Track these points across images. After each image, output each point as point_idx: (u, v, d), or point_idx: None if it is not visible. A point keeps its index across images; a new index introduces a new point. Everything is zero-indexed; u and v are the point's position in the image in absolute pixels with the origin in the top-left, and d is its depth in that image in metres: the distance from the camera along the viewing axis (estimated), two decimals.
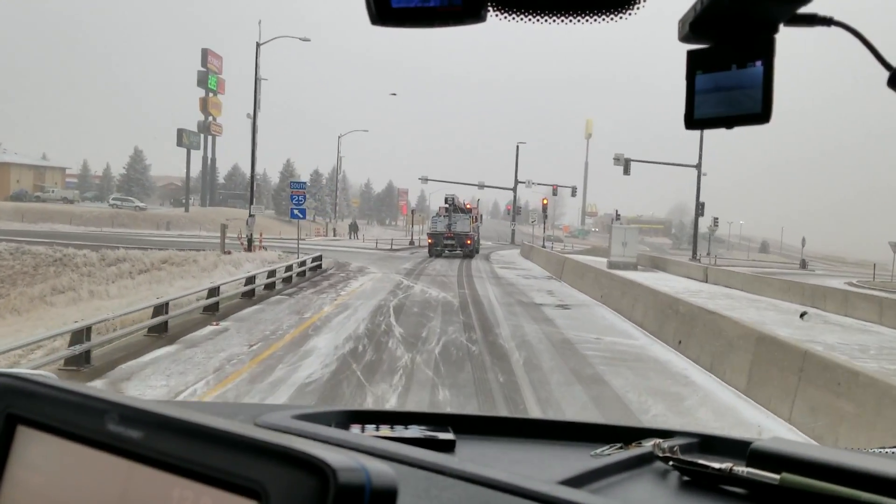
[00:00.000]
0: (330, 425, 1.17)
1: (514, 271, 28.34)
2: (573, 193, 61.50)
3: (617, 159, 36.14)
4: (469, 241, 35.07)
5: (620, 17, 0.79)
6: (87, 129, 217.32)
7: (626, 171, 36.28)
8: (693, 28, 0.84)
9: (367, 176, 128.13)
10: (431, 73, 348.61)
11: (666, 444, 1.09)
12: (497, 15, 0.78)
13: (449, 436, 1.15)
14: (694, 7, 0.83)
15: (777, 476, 0.89)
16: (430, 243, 35.16)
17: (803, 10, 0.81)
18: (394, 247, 39.16)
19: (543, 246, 45.78)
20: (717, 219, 47.52)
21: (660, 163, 36.41)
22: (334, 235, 61.71)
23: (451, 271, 25.79)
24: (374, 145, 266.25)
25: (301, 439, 0.50)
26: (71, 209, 65.91)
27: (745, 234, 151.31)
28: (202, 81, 75.97)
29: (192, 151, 76.67)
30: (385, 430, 1.16)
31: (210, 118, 77.39)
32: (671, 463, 1.04)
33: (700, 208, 36.49)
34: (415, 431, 1.16)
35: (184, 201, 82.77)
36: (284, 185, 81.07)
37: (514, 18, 0.78)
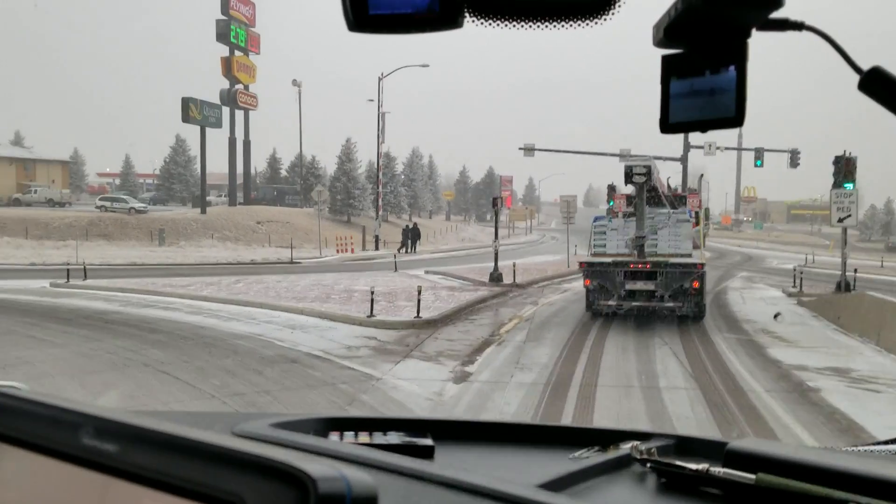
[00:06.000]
0: (308, 433, 1.15)
1: None
2: (793, 163, 34.95)
3: None
4: (696, 284, 13.90)
5: (596, 23, 0.80)
6: (132, 122, 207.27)
7: None
8: (667, 33, 0.84)
9: (464, 164, 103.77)
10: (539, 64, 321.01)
11: (644, 446, 1.09)
12: (474, 21, 0.79)
13: (428, 442, 1.14)
14: (668, 13, 0.84)
15: (753, 476, 0.89)
16: (587, 287, 14.56)
17: (775, 14, 0.81)
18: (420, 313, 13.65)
19: None
20: None
21: None
22: (377, 248, 38.21)
23: None
24: (482, 140, 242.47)
25: (280, 449, 0.49)
26: (37, 216, 47.59)
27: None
28: (223, 35, 55.04)
29: (217, 131, 55.94)
30: (364, 438, 1.14)
31: (237, 86, 56.47)
32: (649, 465, 1.04)
33: None
34: (394, 438, 1.14)
35: (224, 196, 63.03)
36: (341, 174, 59.15)
37: (491, 24, 0.79)
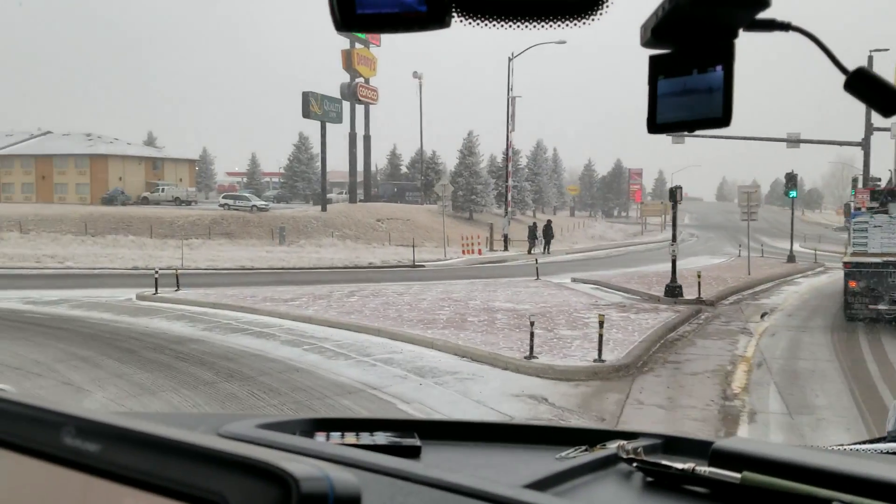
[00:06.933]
0: (294, 434, 1.14)
1: None
2: None
3: None
4: None
5: (584, 22, 0.80)
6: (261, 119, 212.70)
7: None
8: (655, 33, 0.85)
9: (589, 157, 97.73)
10: None
11: (630, 445, 1.09)
12: (461, 20, 0.79)
13: (414, 442, 1.13)
14: (655, 13, 0.84)
15: (738, 475, 0.90)
16: (852, 289, 13.35)
17: (762, 15, 0.82)
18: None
19: None
20: None
21: None
22: (506, 248, 34.10)
23: None
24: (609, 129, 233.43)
25: (263, 449, 0.49)
26: (162, 214, 47.58)
27: None
28: None
29: (337, 127, 54.08)
30: (350, 438, 1.12)
31: (358, 79, 54.40)
32: (635, 464, 1.04)
33: None
34: (380, 438, 1.13)
35: (345, 194, 61.46)
36: (462, 169, 55.73)
37: (478, 24, 0.79)
